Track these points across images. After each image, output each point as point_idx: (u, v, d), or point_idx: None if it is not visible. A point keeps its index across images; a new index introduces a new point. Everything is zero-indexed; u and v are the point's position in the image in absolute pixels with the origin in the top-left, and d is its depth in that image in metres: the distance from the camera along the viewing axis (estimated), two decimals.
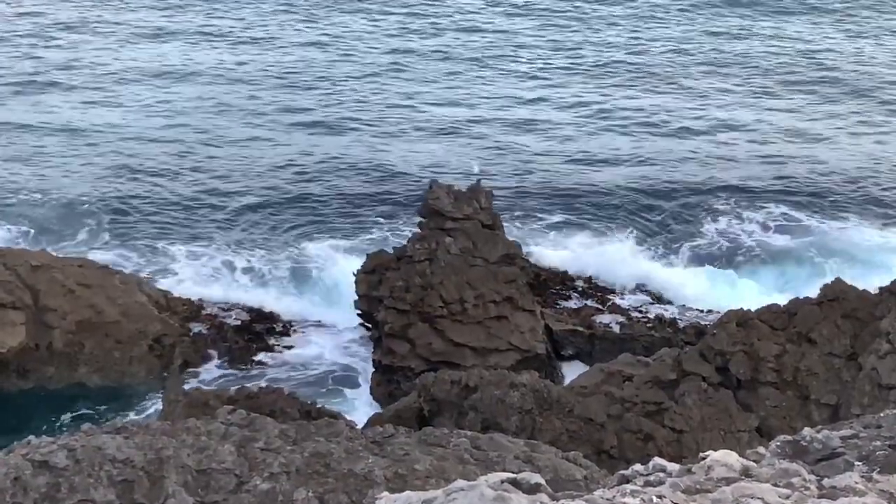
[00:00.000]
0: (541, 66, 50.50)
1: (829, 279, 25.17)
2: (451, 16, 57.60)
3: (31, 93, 46.89)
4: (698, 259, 34.98)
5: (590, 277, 33.64)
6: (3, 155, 40.96)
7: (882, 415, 9.41)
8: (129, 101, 46.16)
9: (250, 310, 31.79)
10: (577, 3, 59.42)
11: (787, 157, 41.12)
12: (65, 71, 49.13)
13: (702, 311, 31.40)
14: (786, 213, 37.34)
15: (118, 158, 41.15)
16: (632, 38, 54.18)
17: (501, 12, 58.40)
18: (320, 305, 31.99)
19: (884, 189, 39.34)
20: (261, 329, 31.04)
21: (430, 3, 59.49)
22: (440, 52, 52.48)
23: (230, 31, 55.13)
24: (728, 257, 35.14)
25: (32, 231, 35.55)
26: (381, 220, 37.01)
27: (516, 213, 36.85)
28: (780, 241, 35.90)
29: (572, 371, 28.83)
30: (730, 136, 43.27)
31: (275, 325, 31.17)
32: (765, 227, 36.64)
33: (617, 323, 30.94)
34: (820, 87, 48.06)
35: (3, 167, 39.98)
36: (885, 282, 23.70)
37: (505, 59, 51.60)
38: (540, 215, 37.21)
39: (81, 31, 54.19)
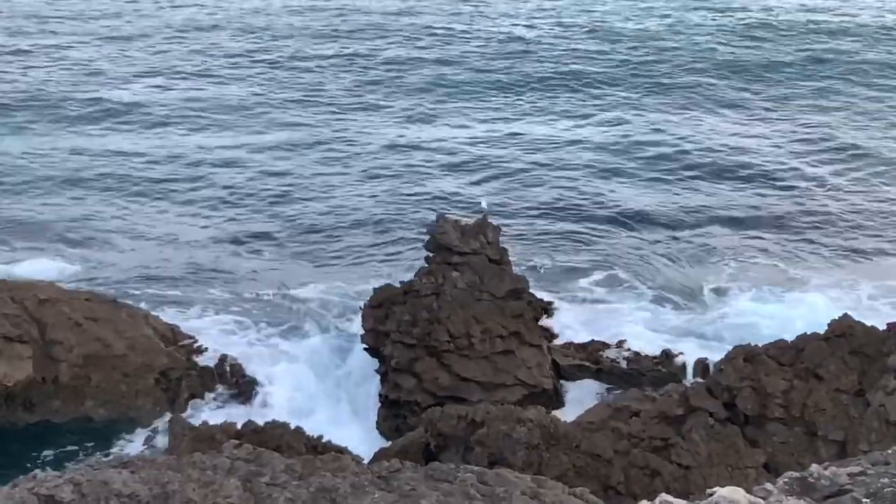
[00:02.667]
0: (552, 101, 50.60)
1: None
2: (463, 44, 57.97)
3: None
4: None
5: (596, 305, 33.67)
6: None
7: (890, 451, 9.39)
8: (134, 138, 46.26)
9: (256, 344, 31.74)
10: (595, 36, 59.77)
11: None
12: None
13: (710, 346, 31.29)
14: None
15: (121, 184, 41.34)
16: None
17: (515, 45, 58.77)
18: (325, 345, 31.94)
19: None
20: (265, 361, 30.96)
21: (436, 33, 59.82)
22: (449, 82, 52.74)
23: (228, 58, 55.44)
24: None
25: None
26: (387, 254, 37.04)
27: (522, 250, 36.86)
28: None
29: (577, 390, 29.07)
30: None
31: (281, 360, 31.09)
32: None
33: (624, 358, 30.84)
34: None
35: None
36: None
37: (513, 92, 51.74)
38: (545, 253, 37.26)
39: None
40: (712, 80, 51.72)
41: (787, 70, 53.32)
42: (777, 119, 47.69)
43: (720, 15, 63.08)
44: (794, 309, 33.01)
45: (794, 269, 35.83)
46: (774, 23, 60.71)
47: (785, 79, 52.08)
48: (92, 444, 27.90)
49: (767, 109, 48.85)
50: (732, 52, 55.71)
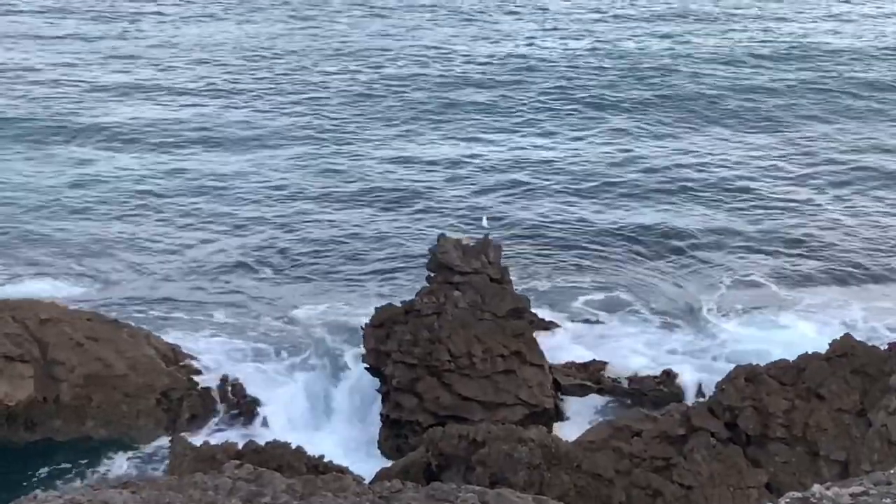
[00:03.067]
0: (553, 121, 50.70)
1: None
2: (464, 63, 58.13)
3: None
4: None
5: (597, 325, 33.68)
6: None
7: (892, 471, 9.38)
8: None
9: (258, 362, 31.73)
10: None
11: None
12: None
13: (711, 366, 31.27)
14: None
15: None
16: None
17: (516, 63, 58.94)
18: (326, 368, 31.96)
19: None
20: (266, 382, 30.95)
21: (439, 54, 59.98)
22: (452, 102, 52.89)
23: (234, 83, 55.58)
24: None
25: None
26: (389, 273, 37.09)
27: (523, 270, 36.90)
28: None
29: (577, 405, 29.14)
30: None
31: (282, 380, 31.08)
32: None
33: (625, 378, 30.85)
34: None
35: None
36: None
37: (514, 111, 51.85)
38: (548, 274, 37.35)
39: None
40: (713, 102, 51.77)
41: (787, 92, 53.32)
42: (776, 140, 47.67)
43: (721, 36, 63.13)
44: (788, 331, 33.21)
45: (791, 291, 35.92)
46: (775, 44, 60.78)
47: (784, 101, 52.07)
48: (93, 463, 27.89)
49: (767, 131, 48.86)
50: (733, 73, 55.80)
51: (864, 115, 50.44)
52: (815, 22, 66.43)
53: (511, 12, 70.56)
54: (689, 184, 43.78)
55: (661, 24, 65.86)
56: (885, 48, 60.33)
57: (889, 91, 53.44)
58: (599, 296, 35.74)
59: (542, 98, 53.32)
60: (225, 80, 56.05)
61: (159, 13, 69.50)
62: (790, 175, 44.33)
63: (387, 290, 35.61)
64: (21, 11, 69.22)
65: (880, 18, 66.30)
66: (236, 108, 52.16)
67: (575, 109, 51.86)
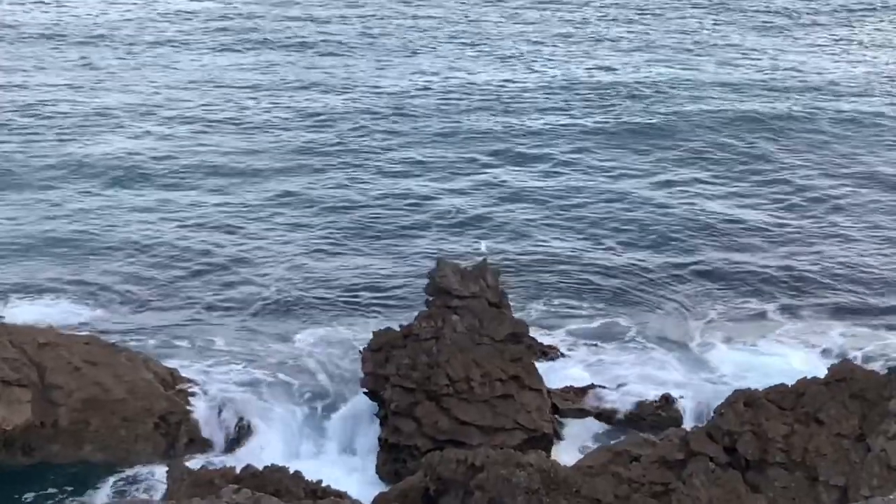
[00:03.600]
0: (548, 150, 50.83)
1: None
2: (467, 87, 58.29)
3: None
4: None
5: (596, 349, 33.75)
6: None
7: (892, 497, 9.39)
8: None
9: (256, 387, 31.70)
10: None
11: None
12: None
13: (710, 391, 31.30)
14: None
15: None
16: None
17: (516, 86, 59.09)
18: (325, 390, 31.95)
19: None
20: (265, 406, 30.92)
21: (434, 83, 60.16)
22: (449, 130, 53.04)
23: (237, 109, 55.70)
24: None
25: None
26: (387, 297, 37.11)
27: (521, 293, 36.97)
28: None
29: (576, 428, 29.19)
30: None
31: (281, 403, 31.04)
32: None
33: (625, 399, 30.86)
34: None
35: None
36: None
37: (510, 140, 51.98)
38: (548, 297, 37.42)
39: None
40: (708, 136, 51.52)
41: (770, 123, 53.14)
42: (762, 175, 47.54)
43: (718, 70, 62.97)
44: (777, 358, 33.52)
45: (782, 318, 36.28)
46: (768, 79, 60.78)
47: (774, 134, 51.86)
48: (90, 488, 27.83)
49: (757, 164, 48.63)
50: (728, 108, 55.42)
51: (848, 145, 50.45)
52: (799, 53, 66.35)
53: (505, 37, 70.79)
54: (684, 215, 43.83)
55: (661, 67, 65.82)
56: (864, 80, 60.10)
57: (873, 123, 53.30)
58: (598, 321, 35.80)
59: (536, 129, 53.38)
60: (225, 109, 56.06)
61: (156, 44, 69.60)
62: (779, 206, 44.45)
63: (385, 315, 35.62)
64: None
65: (855, 48, 65.99)
66: (234, 137, 52.22)
67: (569, 140, 51.83)
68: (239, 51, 66.28)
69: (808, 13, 75.24)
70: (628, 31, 70.75)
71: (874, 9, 76.48)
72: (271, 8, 75.61)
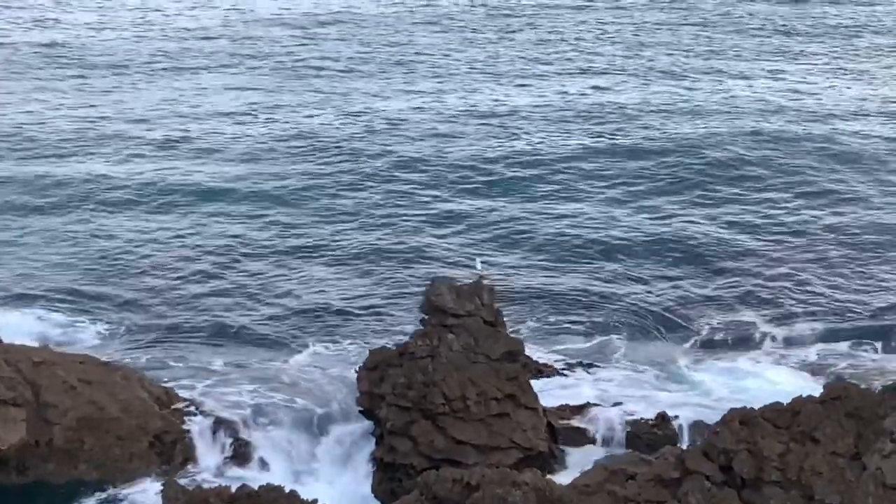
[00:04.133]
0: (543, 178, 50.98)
1: None
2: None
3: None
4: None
5: (591, 367, 33.79)
6: None
7: None
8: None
9: (252, 406, 31.66)
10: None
11: None
12: None
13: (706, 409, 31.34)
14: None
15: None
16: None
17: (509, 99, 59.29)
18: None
19: None
20: (261, 424, 30.89)
21: (432, 107, 60.30)
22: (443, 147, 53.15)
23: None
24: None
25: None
26: (383, 316, 37.14)
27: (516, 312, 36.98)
28: None
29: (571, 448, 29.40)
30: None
31: (276, 422, 30.98)
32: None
33: (620, 418, 30.86)
34: None
35: None
36: None
37: (505, 164, 52.13)
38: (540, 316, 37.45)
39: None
40: (699, 158, 51.29)
41: (766, 146, 53.12)
42: (751, 197, 47.56)
43: (711, 93, 62.89)
44: (774, 376, 33.76)
45: (775, 339, 36.43)
46: (761, 101, 60.79)
47: (762, 157, 51.66)
48: None
49: (745, 187, 48.43)
50: (721, 131, 55.28)
51: (837, 170, 50.42)
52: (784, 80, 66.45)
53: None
54: (673, 233, 44.00)
55: (633, 77, 65.89)
56: (855, 104, 59.98)
57: (861, 147, 53.15)
58: (593, 339, 35.89)
59: (531, 147, 53.52)
60: (220, 130, 56.17)
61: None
62: (769, 228, 44.62)
63: (381, 333, 35.68)
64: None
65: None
66: (232, 158, 52.42)
67: (563, 159, 51.95)
68: (236, 71, 66.38)
69: (802, 35, 75.22)
70: (623, 53, 70.73)
71: (867, 32, 76.38)
72: (269, 29, 75.62)
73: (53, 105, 59.14)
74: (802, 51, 71.60)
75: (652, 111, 58.16)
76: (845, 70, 66.79)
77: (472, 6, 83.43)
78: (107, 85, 63.17)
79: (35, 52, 69.65)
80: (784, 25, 77.89)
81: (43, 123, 55.90)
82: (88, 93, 61.74)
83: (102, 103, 59.73)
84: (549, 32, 75.98)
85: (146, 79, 64.52)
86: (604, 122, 56.86)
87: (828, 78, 65.04)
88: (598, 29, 76.80)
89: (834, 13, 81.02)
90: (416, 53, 69.67)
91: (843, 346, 35.87)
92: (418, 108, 59.25)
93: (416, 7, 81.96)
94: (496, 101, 60.09)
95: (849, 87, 63.06)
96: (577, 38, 74.38)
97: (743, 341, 36.17)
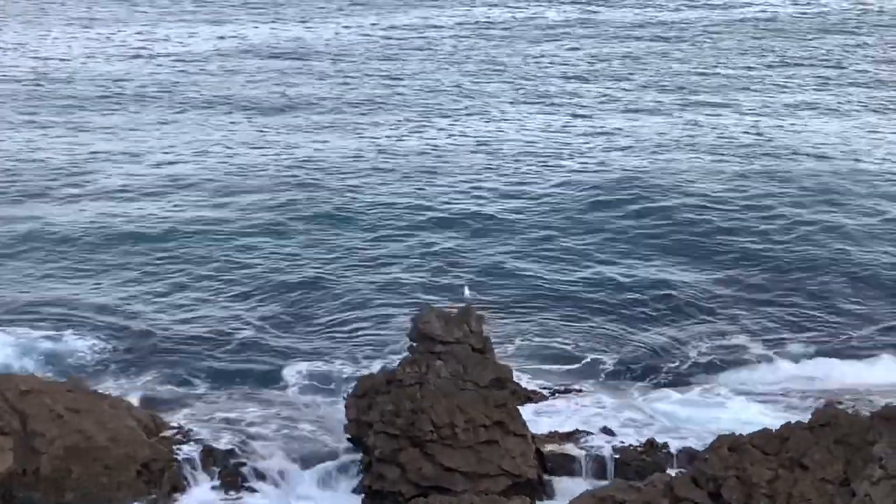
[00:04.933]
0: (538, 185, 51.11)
1: None
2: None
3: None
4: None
5: (580, 394, 33.80)
6: None
7: None
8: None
9: (240, 433, 31.61)
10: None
11: None
12: None
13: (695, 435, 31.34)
14: None
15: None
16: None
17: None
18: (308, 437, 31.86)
19: None
20: (249, 453, 30.79)
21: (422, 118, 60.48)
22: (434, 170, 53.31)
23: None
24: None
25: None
26: (371, 343, 37.15)
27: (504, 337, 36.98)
28: None
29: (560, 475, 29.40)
30: None
31: (265, 450, 30.88)
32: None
33: (609, 444, 30.84)
34: None
35: None
36: None
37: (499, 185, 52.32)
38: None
39: None
40: (690, 192, 51.46)
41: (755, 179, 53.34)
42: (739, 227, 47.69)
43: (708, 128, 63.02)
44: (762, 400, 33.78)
45: (767, 362, 36.61)
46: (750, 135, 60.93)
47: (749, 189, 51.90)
48: None
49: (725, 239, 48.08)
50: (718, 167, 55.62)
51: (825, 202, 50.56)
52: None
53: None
54: (669, 247, 44.49)
55: (625, 107, 66.10)
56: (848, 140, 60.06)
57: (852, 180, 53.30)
58: (583, 366, 35.90)
59: (520, 172, 53.81)
60: (209, 151, 56.38)
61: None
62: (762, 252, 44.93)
63: (369, 360, 35.67)
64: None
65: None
66: (227, 169, 52.76)
67: (550, 183, 52.15)
68: (221, 104, 66.54)
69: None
70: (616, 84, 70.86)
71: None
72: (263, 63, 75.59)
73: (42, 131, 59.33)
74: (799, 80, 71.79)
75: (644, 141, 58.21)
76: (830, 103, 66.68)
77: (459, 34, 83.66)
78: (94, 112, 63.24)
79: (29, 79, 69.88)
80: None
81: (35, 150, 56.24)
82: (76, 118, 61.87)
83: (89, 129, 59.86)
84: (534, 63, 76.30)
85: (135, 108, 64.58)
86: (592, 151, 57.05)
87: (816, 111, 64.99)
88: (587, 60, 76.99)
89: (821, 43, 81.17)
90: (404, 86, 69.59)
91: (833, 371, 35.95)
92: (410, 130, 59.57)
93: (404, 39, 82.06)
94: (486, 133, 60.18)
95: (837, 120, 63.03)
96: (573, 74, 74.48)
97: (733, 367, 36.17)
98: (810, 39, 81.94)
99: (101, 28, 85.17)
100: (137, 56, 76.33)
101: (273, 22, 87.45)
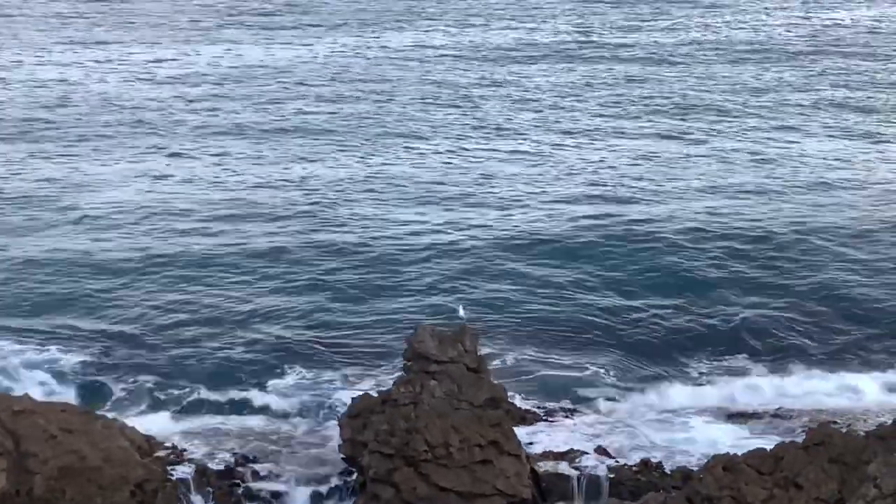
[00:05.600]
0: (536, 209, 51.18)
1: None
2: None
3: None
4: None
5: (574, 414, 33.79)
6: None
7: None
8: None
9: (234, 454, 31.57)
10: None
11: None
12: None
13: (689, 455, 31.33)
14: None
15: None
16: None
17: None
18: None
19: None
20: (244, 474, 30.77)
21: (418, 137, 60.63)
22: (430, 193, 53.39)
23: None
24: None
25: None
26: (365, 363, 37.13)
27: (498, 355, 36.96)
28: None
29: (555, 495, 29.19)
30: None
31: (259, 470, 30.88)
32: None
33: (604, 464, 30.82)
34: None
35: None
36: None
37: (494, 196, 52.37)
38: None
39: None
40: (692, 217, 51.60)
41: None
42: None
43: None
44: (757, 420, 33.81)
45: (765, 380, 36.63)
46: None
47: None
48: None
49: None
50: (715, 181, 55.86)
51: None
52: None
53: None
54: (669, 270, 44.54)
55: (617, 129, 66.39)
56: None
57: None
58: (578, 385, 35.85)
59: (512, 192, 53.92)
60: (205, 179, 56.49)
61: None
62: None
63: (364, 379, 35.65)
64: None
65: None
66: (218, 194, 52.79)
67: (543, 208, 52.27)
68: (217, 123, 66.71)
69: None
70: (608, 108, 70.96)
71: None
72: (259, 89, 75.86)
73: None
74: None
75: (633, 169, 58.27)
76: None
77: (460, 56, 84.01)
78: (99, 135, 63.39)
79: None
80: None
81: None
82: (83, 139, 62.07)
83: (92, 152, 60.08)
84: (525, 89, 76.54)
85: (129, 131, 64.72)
86: (583, 169, 57.31)
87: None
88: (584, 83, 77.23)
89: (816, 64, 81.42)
90: (400, 110, 69.71)
91: (829, 390, 36.02)
92: (402, 150, 59.77)
93: (398, 62, 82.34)
94: (481, 153, 60.38)
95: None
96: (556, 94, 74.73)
97: (729, 388, 36.10)
98: (804, 61, 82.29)
99: (98, 50, 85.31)
100: (132, 78, 76.43)
101: (267, 44, 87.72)
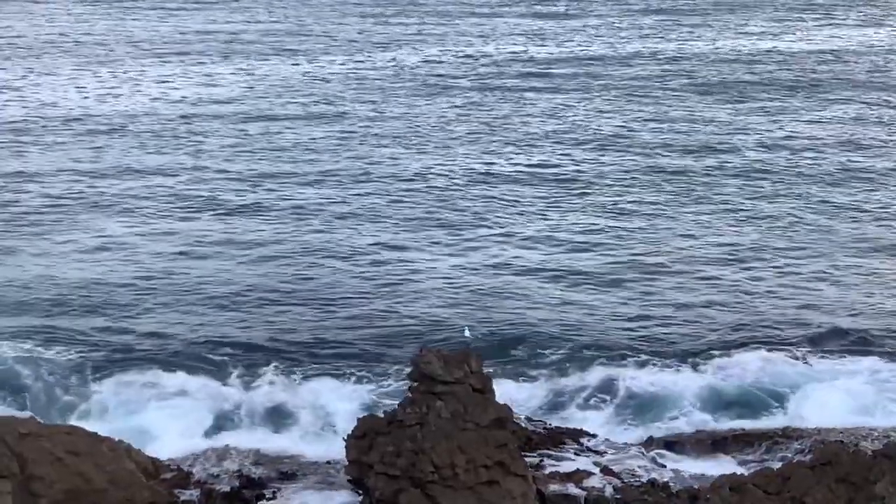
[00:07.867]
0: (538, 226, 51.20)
1: None
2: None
3: None
4: None
5: (580, 434, 33.74)
6: None
7: None
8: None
9: (239, 476, 31.55)
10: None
11: None
12: None
13: (695, 475, 31.28)
14: None
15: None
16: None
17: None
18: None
19: None
20: (250, 496, 30.74)
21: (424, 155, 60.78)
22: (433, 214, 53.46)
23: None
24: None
25: None
26: (371, 384, 37.13)
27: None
28: None
29: None
30: None
31: (265, 492, 30.86)
32: None
33: (610, 485, 30.79)
34: None
35: None
36: None
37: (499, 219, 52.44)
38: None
39: None
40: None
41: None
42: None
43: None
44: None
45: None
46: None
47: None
48: None
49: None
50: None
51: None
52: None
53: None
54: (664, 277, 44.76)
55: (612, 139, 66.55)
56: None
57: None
58: (584, 405, 35.91)
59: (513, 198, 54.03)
60: (207, 182, 56.75)
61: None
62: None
63: (369, 400, 35.65)
64: None
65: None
66: (223, 188, 53.09)
67: (539, 216, 52.38)
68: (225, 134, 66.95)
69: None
70: (606, 121, 71.14)
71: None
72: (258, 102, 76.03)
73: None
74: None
75: (634, 183, 58.49)
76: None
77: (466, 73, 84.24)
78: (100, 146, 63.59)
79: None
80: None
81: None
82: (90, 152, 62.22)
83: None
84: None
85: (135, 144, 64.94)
86: (579, 182, 57.57)
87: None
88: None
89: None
90: (405, 126, 69.89)
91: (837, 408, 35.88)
92: (401, 166, 60.04)
93: (410, 76, 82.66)
94: (479, 165, 60.56)
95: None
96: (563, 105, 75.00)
97: (733, 408, 36.00)
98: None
99: (102, 68, 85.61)
100: (137, 97, 76.74)
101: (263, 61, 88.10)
